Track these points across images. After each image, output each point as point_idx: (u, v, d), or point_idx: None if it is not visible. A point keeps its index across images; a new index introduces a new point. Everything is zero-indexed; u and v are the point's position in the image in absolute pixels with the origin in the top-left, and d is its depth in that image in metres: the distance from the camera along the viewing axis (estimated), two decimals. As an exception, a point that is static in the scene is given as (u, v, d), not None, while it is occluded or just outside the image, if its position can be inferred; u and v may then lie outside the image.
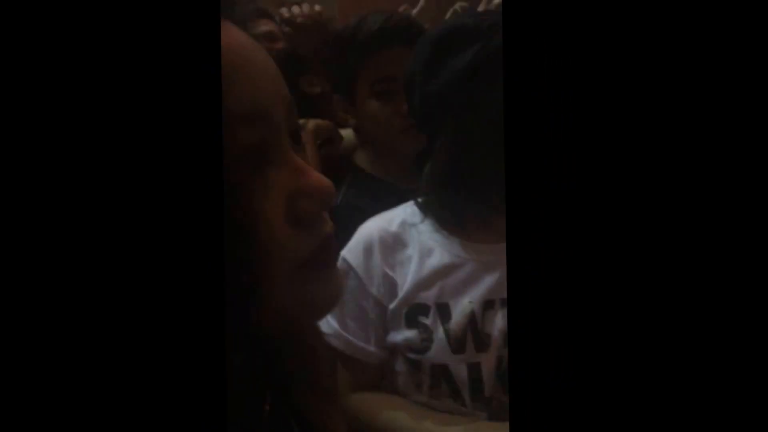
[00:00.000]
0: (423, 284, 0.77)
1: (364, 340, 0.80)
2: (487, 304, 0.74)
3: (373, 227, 0.83)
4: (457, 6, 1.64)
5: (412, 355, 0.76)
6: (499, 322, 0.73)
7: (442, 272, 0.77)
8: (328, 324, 0.78)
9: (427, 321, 0.75)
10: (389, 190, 1.05)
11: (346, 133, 1.19)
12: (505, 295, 0.69)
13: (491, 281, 0.74)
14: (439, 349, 0.74)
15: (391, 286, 0.78)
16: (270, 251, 0.37)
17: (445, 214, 0.79)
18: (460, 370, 0.74)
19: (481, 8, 1.30)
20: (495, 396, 0.73)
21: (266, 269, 0.37)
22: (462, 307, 0.75)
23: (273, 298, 0.37)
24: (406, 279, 0.77)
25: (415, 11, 1.63)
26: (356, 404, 0.80)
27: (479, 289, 0.74)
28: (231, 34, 0.38)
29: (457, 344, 0.74)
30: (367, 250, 0.80)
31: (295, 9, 1.26)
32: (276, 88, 0.40)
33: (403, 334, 0.76)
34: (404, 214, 0.83)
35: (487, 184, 0.72)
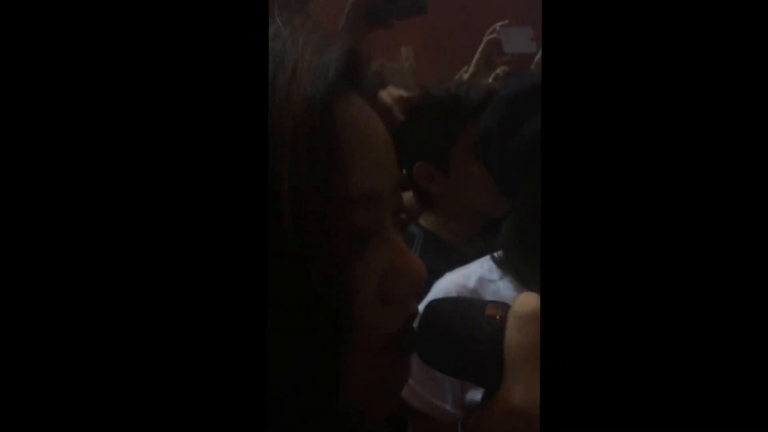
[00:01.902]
0: None
1: (441, 398, 0.80)
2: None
3: (450, 283, 0.83)
4: (499, 70, 1.67)
5: None
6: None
7: None
8: None
9: None
10: (457, 251, 1.06)
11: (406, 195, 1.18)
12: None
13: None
14: None
15: None
16: (358, 329, 0.34)
17: (528, 270, 0.78)
18: None
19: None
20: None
21: (350, 349, 0.34)
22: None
23: (352, 379, 0.34)
24: None
25: (466, 75, 1.67)
26: None
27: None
28: (358, 108, 0.36)
29: None
30: None
31: (383, 95, 1.22)
32: (391, 165, 0.37)
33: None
34: (481, 270, 0.82)
35: None
